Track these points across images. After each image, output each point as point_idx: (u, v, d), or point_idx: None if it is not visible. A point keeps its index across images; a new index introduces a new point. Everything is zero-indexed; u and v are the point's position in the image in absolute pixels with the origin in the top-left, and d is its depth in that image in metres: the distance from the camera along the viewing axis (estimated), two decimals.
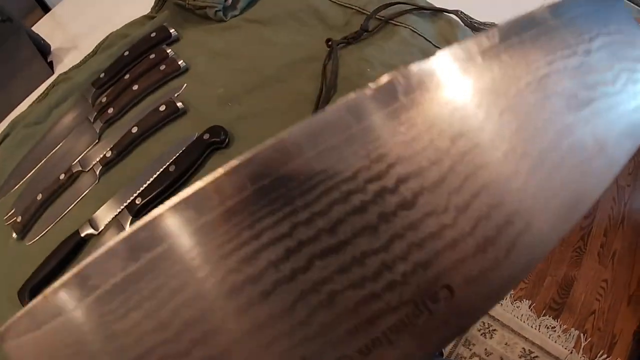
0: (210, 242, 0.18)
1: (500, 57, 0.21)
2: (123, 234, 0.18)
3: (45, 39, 0.78)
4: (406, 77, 0.20)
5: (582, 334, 1.30)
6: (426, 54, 0.67)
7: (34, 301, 0.20)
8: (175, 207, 0.18)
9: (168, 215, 0.18)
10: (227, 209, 0.18)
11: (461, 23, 0.70)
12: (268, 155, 0.18)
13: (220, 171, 0.17)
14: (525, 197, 0.20)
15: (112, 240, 0.18)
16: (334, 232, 0.18)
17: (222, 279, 0.18)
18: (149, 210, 0.57)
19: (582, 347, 1.28)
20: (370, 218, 0.18)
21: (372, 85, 0.19)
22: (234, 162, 0.17)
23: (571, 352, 1.27)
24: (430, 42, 0.69)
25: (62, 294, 0.19)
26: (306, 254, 0.18)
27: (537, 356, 1.27)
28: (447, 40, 0.69)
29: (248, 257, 0.18)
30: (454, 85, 0.21)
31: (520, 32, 0.22)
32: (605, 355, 1.27)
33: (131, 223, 0.57)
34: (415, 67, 0.20)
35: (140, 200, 0.58)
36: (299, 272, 0.18)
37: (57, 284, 0.19)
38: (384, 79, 0.20)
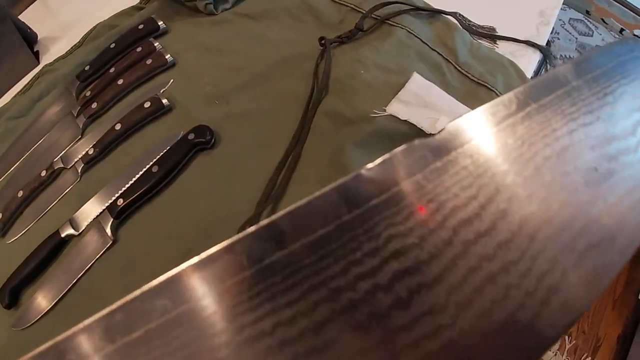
0: (187, 336, 0.16)
1: (516, 129, 0.19)
2: (98, 315, 0.16)
3: (33, 28, 0.75)
4: (406, 156, 0.18)
5: (566, 336, 1.30)
6: (422, 56, 0.65)
7: None
8: (153, 292, 0.16)
9: (144, 300, 0.16)
10: (204, 303, 0.16)
11: (459, 25, 0.68)
12: (248, 244, 0.16)
13: (195, 259, 0.16)
14: (530, 289, 0.18)
15: (89, 319, 0.16)
16: (319, 332, 0.16)
17: None
18: (131, 212, 0.55)
19: (567, 349, 1.28)
20: (360, 318, 0.16)
21: (369, 165, 0.17)
22: (211, 251, 0.16)
23: (555, 354, 1.27)
24: (426, 44, 0.66)
25: None
26: (289, 354, 0.16)
27: None
28: (444, 42, 0.66)
29: (228, 355, 0.16)
30: (461, 164, 0.18)
31: (540, 97, 0.20)
32: (589, 358, 1.27)
33: (112, 225, 0.56)
34: (418, 142, 0.18)
35: (122, 201, 0.57)
36: None
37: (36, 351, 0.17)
38: (381, 159, 0.17)
